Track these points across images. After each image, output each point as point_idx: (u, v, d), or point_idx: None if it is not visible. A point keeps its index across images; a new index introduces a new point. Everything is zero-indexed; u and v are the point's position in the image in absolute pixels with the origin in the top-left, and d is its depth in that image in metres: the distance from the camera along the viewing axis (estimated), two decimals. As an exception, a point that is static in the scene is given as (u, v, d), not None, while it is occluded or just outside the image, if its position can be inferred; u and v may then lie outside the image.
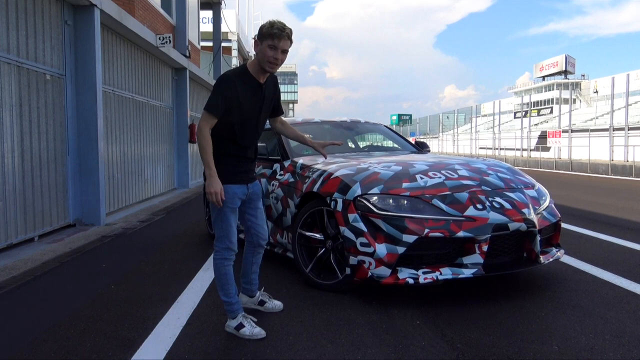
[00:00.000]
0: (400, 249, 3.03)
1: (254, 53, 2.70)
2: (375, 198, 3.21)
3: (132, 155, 8.52)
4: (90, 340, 2.64)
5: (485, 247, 3.07)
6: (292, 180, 3.96)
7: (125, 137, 8.16)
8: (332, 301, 3.19)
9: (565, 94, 34.75)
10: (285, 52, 2.60)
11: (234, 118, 2.62)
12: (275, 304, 3.06)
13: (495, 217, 3.15)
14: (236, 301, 2.74)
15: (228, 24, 20.34)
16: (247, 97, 2.63)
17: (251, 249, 2.98)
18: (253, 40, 2.64)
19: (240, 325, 2.65)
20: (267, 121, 2.99)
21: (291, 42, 2.62)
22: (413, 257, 3.09)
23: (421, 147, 5.25)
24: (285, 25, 2.58)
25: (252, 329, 2.64)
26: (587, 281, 3.60)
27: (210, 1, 17.13)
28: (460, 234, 3.05)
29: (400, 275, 3.04)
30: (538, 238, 3.29)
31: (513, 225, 3.17)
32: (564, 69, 60.78)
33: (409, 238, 3.02)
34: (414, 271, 3.05)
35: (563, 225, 4.15)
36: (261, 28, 2.58)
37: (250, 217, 2.89)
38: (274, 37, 2.54)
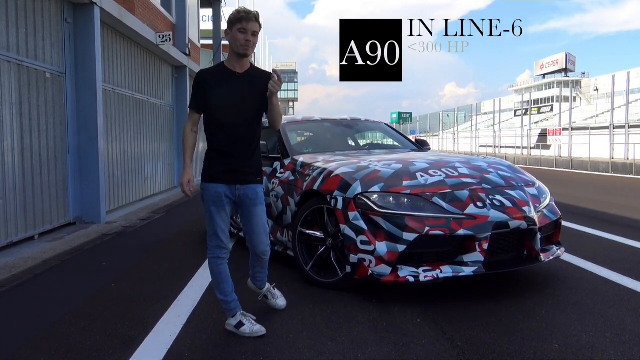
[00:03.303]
0: (401, 247, 3.03)
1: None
2: (375, 196, 3.21)
3: (132, 153, 8.52)
4: (91, 339, 2.64)
5: (485, 245, 3.07)
6: (292, 178, 3.96)
7: (125, 135, 8.15)
8: (332, 299, 3.19)
9: (566, 92, 34.73)
10: (255, 34, 2.66)
11: (212, 109, 2.68)
12: (277, 303, 3.04)
13: (495, 215, 3.15)
14: (232, 299, 2.73)
15: (228, 22, 20.28)
16: (219, 87, 2.67)
17: (252, 255, 2.89)
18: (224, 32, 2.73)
19: (240, 324, 2.65)
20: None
21: (260, 25, 2.69)
22: (413, 255, 3.09)
23: (421, 145, 5.24)
24: (250, 10, 2.66)
25: (252, 327, 2.64)
26: (587, 279, 3.60)
27: (210, -1, 17.10)
28: (461, 232, 3.05)
29: (401, 274, 3.04)
30: (538, 236, 3.29)
31: (513, 223, 3.17)
32: (564, 67, 60.67)
33: (410, 236, 3.02)
34: (414, 269, 3.05)
35: (563, 223, 4.14)
36: (229, 18, 2.68)
37: (245, 223, 2.80)
38: (242, 20, 2.62)
